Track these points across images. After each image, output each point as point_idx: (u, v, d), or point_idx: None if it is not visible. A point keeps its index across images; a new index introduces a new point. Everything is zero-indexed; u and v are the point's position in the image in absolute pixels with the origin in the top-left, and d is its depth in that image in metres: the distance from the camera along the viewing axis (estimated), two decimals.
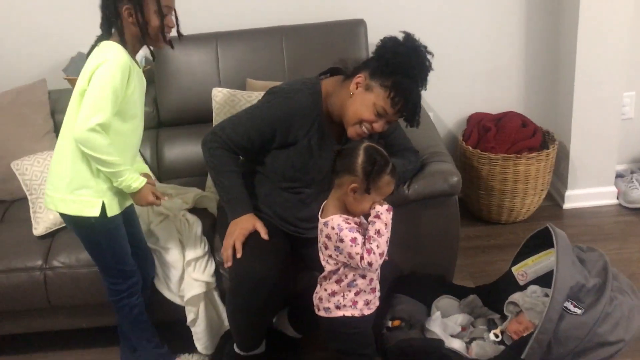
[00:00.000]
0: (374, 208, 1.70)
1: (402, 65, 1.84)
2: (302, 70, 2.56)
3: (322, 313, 1.81)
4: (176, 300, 2.14)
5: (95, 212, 1.80)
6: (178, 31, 1.92)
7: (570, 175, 3.00)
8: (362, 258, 1.65)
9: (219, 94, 2.54)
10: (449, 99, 3.05)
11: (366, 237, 1.68)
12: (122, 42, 1.78)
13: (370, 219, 1.71)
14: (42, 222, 2.23)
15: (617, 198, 3.05)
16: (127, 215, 1.96)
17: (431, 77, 3.00)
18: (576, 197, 3.03)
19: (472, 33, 2.94)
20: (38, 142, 2.53)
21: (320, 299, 1.81)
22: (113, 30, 1.80)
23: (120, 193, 1.87)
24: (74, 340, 2.38)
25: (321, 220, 1.76)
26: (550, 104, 3.05)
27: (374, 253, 1.65)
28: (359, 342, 1.81)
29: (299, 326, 2.17)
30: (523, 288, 2.00)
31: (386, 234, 1.69)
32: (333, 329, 1.81)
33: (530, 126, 2.90)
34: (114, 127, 1.76)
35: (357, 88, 1.89)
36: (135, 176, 1.81)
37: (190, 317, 2.14)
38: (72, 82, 2.73)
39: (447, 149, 3.10)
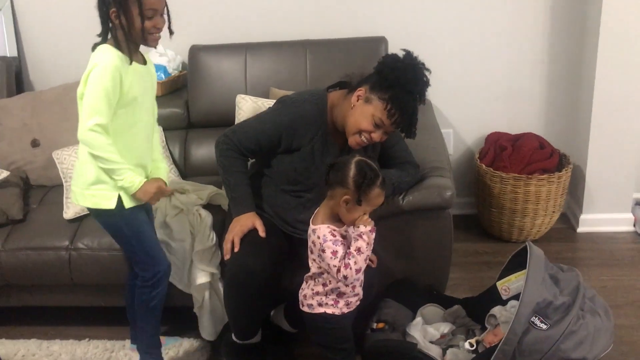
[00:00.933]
0: (358, 227, 1.81)
1: (399, 79, 1.97)
2: (323, 82, 2.66)
3: (305, 309, 1.94)
4: (183, 288, 2.33)
5: (111, 205, 1.93)
6: (169, 28, 1.97)
7: (586, 199, 3.02)
8: (338, 271, 1.78)
9: (242, 101, 2.72)
10: (469, 118, 3.13)
11: (347, 252, 1.80)
12: (116, 44, 1.88)
13: (354, 235, 1.82)
14: (72, 207, 2.46)
15: (634, 226, 3.05)
16: (147, 211, 2.09)
17: (452, 94, 3.12)
18: (591, 222, 3.05)
19: (494, 54, 3.01)
20: None
21: (305, 296, 1.95)
22: (110, 34, 1.91)
23: None
24: (93, 316, 2.60)
25: (311, 226, 1.89)
26: (569, 127, 3.09)
27: (350, 268, 1.78)
28: (338, 337, 1.94)
29: (293, 321, 2.30)
30: (506, 302, 2.08)
31: (366, 252, 1.80)
32: (314, 324, 1.94)
33: (547, 148, 2.95)
34: (114, 127, 1.88)
35: (357, 100, 2.03)
36: (132, 178, 1.90)
37: (196, 304, 2.33)
38: None
39: (463, 166, 3.20)
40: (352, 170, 1.79)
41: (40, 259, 2.37)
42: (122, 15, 1.84)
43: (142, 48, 1.99)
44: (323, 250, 1.80)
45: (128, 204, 1.96)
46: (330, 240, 1.80)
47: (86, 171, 1.94)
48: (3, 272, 2.38)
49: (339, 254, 1.78)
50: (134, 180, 1.91)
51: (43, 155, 2.75)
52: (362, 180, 1.78)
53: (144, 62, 2.01)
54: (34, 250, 2.38)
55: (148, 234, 2.07)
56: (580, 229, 3.07)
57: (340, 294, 1.90)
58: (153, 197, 1.98)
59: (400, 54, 2.05)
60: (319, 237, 1.82)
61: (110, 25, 1.89)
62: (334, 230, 1.83)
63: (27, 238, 2.41)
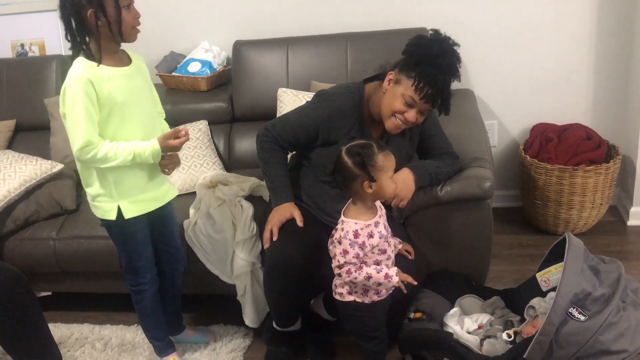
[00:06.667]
0: (397, 277, 1.85)
1: (424, 55, 1.98)
2: (364, 74, 2.65)
3: (337, 297, 1.96)
4: (227, 279, 2.39)
5: (112, 216, 1.99)
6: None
7: (637, 191, 2.93)
8: (339, 267, 1.84)
9: (283, 94, 2.77)
10: (514, 109, 3.09)
11: (361, 266, 1.82)
12: (88, 52, 1.82)
13: (373, 263, 1.85)
14: None
15: None
16: (160, 218, 2.14)
17: (496, 85, 3.09)
18: None
19: (539, 43, 2.95)
20: None
21: (336, 284, 1.97)
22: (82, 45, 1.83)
23: (142, 199, 2.03)
24: None
25: (342, 217, 1.90)
26: (618, 118, 3.00)
27: (347, 276, 1.83)
28: (369, 325, 1.96)
29: (332, 310, 2.33)
30: (546, 294, 2.05)
31: (369, 282, 1.84)
32: (346, 312, 1.96)
33: (595, 139, 2.87)
34: (110, 133, 1.89)
35: (389, 84, 2.05)
36: (149, 144, 1.91)
37: (239, 292, 2.39)
38: (164, 78, 3.08)
39: (508, 158, 3.16)
40: (348, 161, 1.80)
41: (91, 247, 2.49)
42: (100, 14, 1.78)
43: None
44: (340, 242, 1.83)
45: (129, 214, 2.01)
46: (349, 240, 1.82)
47: (87, 184, 2.01)
48: (57, 259, 2.52)
49: (349, 257, 1.81)
50: (152, 149, 1.91)
51: None
52: (361, 159, 1.78)
53: (129, 62, 1.96)
54: (85, 239, 2.50)
55: (139, 249, 2.10)
56: (631, 222, 2.98)
57: (370, 284, 1.91)
58: (174, 147, 1.95)
59: (428, 34, 2.05)
60: (342, 230, 1.85)
61: (81, 33, 1.81)
62: (360, 229, 1.83)
63: (80, 227, 2.54)
